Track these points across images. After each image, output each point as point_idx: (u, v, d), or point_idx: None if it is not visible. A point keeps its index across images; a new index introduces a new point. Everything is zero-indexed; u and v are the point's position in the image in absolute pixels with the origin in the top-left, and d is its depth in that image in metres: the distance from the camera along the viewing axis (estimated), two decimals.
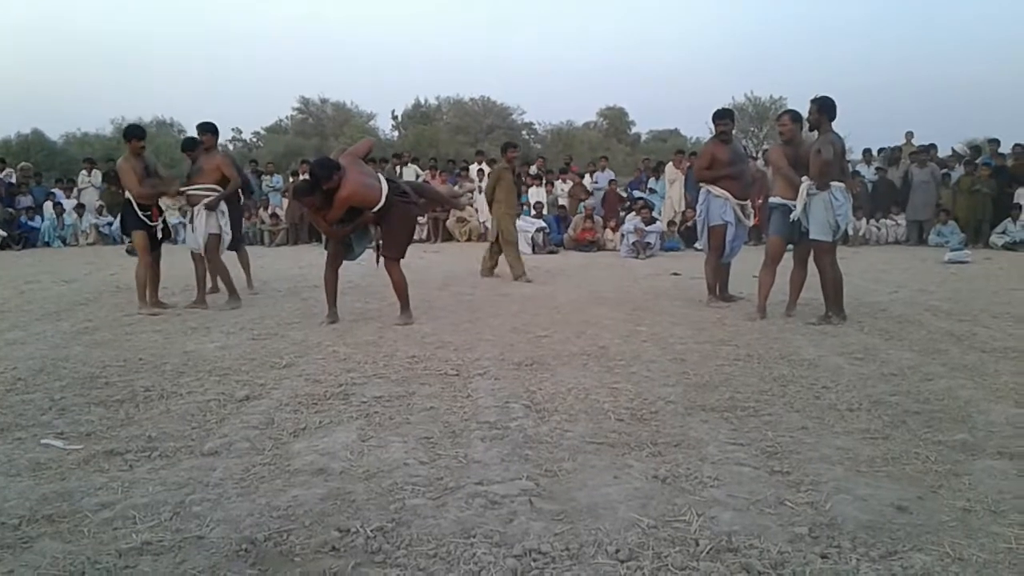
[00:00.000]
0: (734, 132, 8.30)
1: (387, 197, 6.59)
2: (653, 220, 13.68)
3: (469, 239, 16.52)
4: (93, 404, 4.44)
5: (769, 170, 8.94)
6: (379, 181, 6.71)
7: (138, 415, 4.23)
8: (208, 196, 7.97)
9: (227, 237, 8.20)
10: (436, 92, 52.27)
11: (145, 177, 7.76)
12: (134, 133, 7.84)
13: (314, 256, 13.47)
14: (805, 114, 6.74)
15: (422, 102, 49.28)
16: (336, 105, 51.91)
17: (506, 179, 10.37)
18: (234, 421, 4.08)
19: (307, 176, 7.17)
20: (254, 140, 46.94)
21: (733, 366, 5.20)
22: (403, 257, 6.95)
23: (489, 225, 16.50)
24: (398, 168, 17.89)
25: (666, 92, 71.42)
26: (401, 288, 6.98)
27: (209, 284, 8.58)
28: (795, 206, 6.72)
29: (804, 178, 6.63)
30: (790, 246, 7.14)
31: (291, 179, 17.68)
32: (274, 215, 17.18)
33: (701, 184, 7.99)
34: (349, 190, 6.39)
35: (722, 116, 7.94)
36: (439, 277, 10.44)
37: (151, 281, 7.93)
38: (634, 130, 49.70)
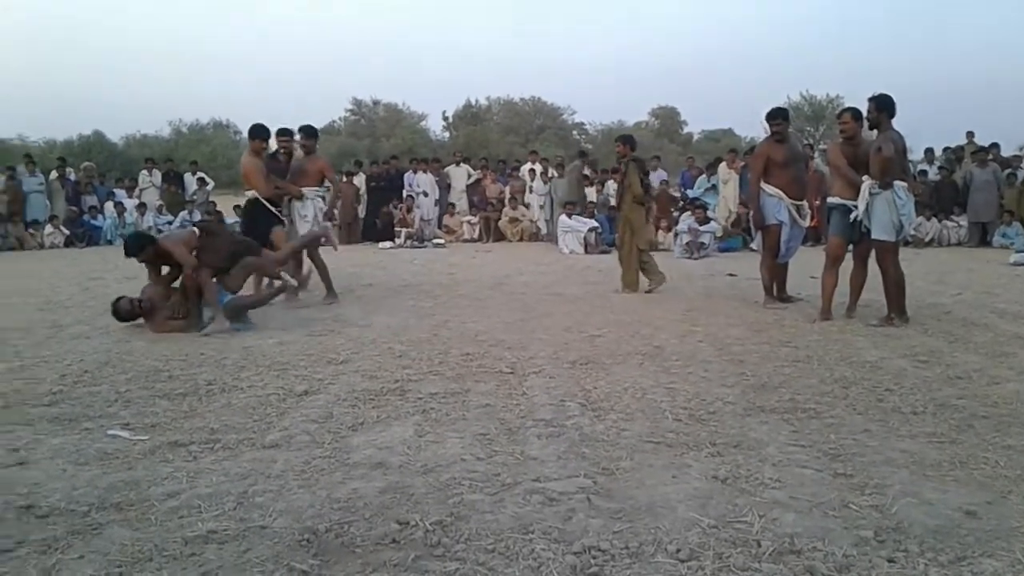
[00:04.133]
0: (790, 131, 8.14)
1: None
2: (707, 220, 13.52)
3: (521, 239, 16.52)
4: (157, 397, 4.54)
5: (827, 170, 8.76)
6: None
7: (201, 408, 4.32)
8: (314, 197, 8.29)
9: (316, 228, 8.42)
10: (486, 92, 52.51)
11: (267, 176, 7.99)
12: (258, 133, 7.96)
13: (367, 255, 13.64)
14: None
15: (472, 103, 49.58)
16: (388, 106, 52.48)
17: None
18: (294, 415, 4.14)
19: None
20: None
21: (793, 367, 5.11)
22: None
23: (541, 225, 16.66)
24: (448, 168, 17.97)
25: (719, 91, 70.70)
26: None
27: (296, 281, 8.23)
28: (855, 206, 6.59)
29: (865, 177, 6.49)
30: (851, 247, 6.99)
31: (344, 179, 17.87)
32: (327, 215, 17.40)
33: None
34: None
35: (775, 116, 7.81)
36: (491, 276, 10.46)
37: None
38: (686, 130, 49.34)
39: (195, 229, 7.18)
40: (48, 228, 16.68)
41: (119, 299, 6.90)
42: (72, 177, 18.37)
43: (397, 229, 16.01)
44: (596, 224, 14.40)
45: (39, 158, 21.42)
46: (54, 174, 17.90)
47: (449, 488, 3.10)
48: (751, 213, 8.08)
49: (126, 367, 5.29)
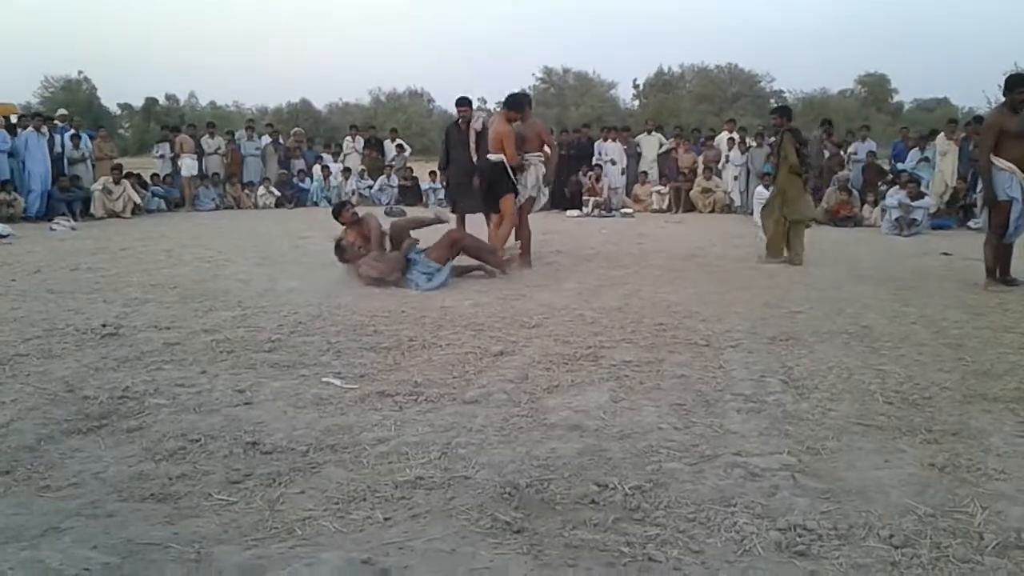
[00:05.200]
0: None
1: None
2: (921, 195, 12.57)
3: (713, 210, 16.06)
4: (364, 349, 4.79)
5: None
6: None
7: (404, 362, 4.52)
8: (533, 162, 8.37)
9: (544, 199, 8.62)
10: (679, 60, 51.34)
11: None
12: (513, 104, 8.18)
13: (555, 223, 13.73)
14: None
15: (665, 70, 48.56)
16: (578, 75, 52.45)
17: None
18: (491, 374, 4.25)
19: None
20: (496, 109, 48.51)
21: (1019, 355, 4.68)
22: None
23: (735, 196, 16.11)
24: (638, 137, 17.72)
25: (934, 57, 65.35)
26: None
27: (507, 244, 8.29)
28: None
29: None
30: None
31: None
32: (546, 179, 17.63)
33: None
34: None
35: (1018, 83, 7.05)
36: (683, 247, 10.25)
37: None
38: (896, 98, 46.08)
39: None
40: (261, 190, 17.94)
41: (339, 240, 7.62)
42: (283, 142, 19.63)
43: (585, 198, 16.00)
44: None
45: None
46: (267, 139, 19.20)
47: (646, 455, 3.08)
48: (981, 189, 7.41)
49: (335, 320, 5.62)
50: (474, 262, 7.63)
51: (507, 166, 8.02)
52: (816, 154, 14.63)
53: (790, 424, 3.45)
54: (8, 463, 3.02)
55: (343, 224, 7.83)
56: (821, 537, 2.42)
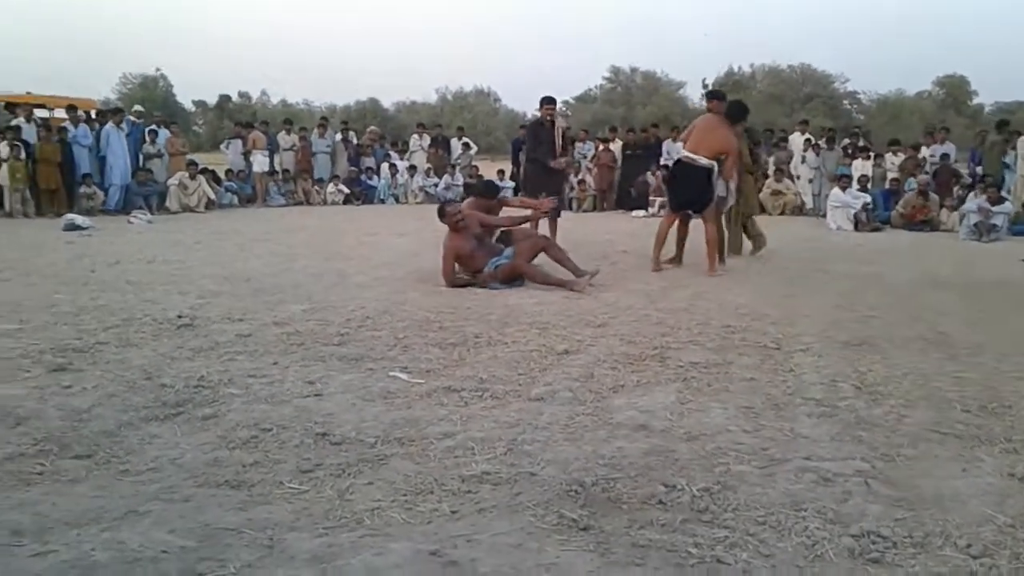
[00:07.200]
0: None
1: None
2: (1001, 200, 12.13)
3: (783, 212, 15.71)
4: (430, 345, 4.84)
5: None
6: None
7: (470, 358, 4.54)
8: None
9: (731, 200, 8.57)
10: (750, 59, 50.48)
11: None
12: (741, 112, 8.12)
13: (621, 223, 13.66)
14: None
15: (735, 70, 47.85)
16: (646, 74, 52.07)
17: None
18: (556, 372, 4.24)
19: None
20: (563, 109, 48.40)
21: None
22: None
23: (807, 199, 15.76)
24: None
25: (1016, 59, 63.08)
26: None
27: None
28: None
29: None
30: None
31: (600, 146, 17.96)
32: (582, 181, 17.56)
33: None
34: None
35: None
36: (750, 249, 10.08)
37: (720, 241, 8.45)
38: (976, 101, 44.58)
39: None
40: (330, 186, 18.22)
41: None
42: (354, 140, 19.91)
43: (652, 198, 15.86)
44: (869, 199, 13.41)
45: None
46: (338, 136, 19.50)
47: (714, 457, 3.04)
48: None
49: (402, 315, 5.68)
50: (554, 278, 7.13)
51: (712, 173, 7.83)
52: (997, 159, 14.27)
53: (863, 430, 3.37)
54: (90, 447, 3.14)
55: (448, 225, 7.25)
56: (896, 545, 2.37)
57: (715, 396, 3.84)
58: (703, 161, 7.77)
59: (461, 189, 18.08)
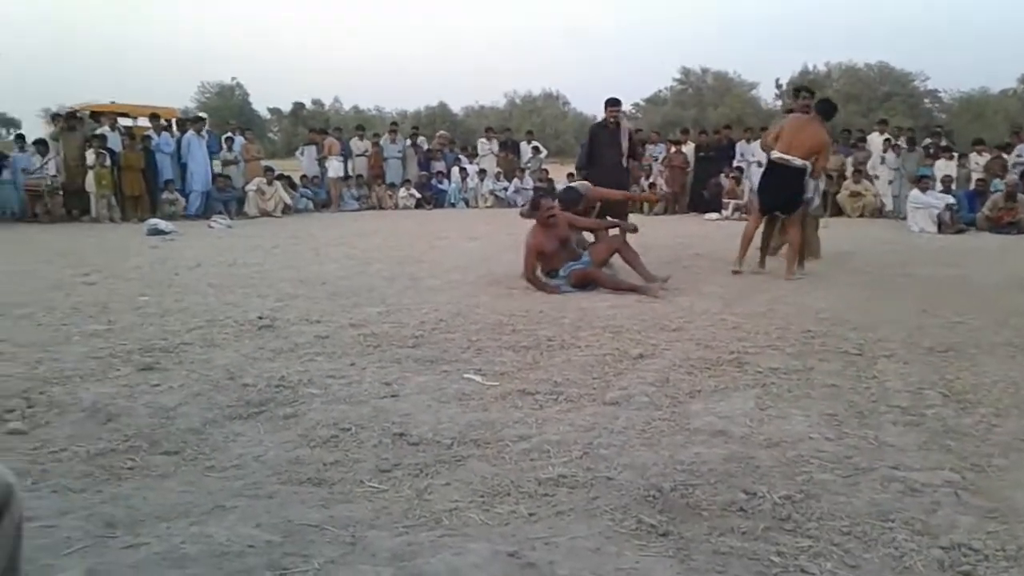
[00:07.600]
0: None
1: None
2: None
3: (862, 215, 15.29)
4: (504, 348, 4.85)
5: None
6: None
7: (543, 361, 4.54)
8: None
9: (817, 200, 8.61)
10: (826, 58, 49.35)
11: None
12: (831, 110, 8.11)
13: (693, 226, 13.49)
14: None
15: (810, 69, 46.81)
16: (717, 75, 51.38)
17: None
18: (631, 376, 4.21)
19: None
20: (633, 111, 47.96)
21: None
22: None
23: (887, 200, 15.31)
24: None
25: None
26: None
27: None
28: None
29: None
30: None
31: (672, 148, 17.79)
32: (652, 184, 17.39)
33: None
34: None
35: None
36: (828, 251, 9.83)
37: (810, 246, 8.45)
38: None
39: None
40: (402, 191, 18.46)
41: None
42: (424, 145, 20.14)
43: (725, 201, 15.64)
44: (953, 200, 12.97)
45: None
46: (408, 141, 19.75)
47: (796, 464, 2.97)
48: None
49: (475, 318, 5.71)
50: (626, 283, 7.04)
51: (805, 173, 7.72)
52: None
53: (952, 439, 3.25)
54: (177, 444, 3.23)
55: (537, 220, 7.12)
56: (988, 558, 2.29)
57: (795, 402, 3.76)
58: (797, 162, 7.61)
59: (530, 193, 18.16)
